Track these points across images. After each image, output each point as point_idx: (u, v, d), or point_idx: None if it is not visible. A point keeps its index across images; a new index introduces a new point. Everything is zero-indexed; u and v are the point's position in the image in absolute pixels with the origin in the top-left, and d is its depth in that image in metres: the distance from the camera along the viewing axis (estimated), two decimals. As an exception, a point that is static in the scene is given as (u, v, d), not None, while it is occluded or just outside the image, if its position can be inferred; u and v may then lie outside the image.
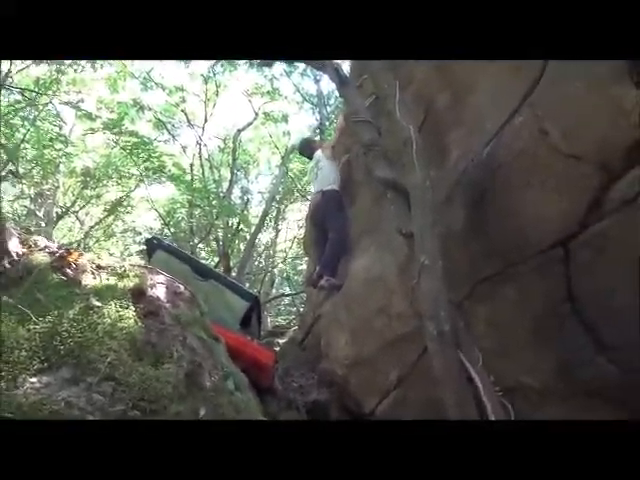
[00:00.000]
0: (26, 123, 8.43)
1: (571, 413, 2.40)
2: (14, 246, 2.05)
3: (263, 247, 14.65)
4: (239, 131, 12.30)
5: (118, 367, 1.68)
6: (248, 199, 13.71)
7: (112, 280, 2.17)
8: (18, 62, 7.92)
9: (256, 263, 14.38)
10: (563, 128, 2.31)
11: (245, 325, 4.16)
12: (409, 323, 3.15)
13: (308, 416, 3.91)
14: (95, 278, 2.14)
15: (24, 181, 9.54)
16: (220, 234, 11.55)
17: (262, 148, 14.58)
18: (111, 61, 9.12)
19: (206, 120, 11.85)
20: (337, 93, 5.64)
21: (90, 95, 10.12)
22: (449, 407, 2.16)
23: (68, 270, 2.07)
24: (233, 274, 10.67)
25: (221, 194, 11.76)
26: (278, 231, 14.70)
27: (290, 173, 12.56)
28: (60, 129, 9.74)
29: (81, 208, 11.76)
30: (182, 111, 11.77)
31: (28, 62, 8.24)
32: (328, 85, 11.66)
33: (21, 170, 8.99)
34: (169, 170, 9.88)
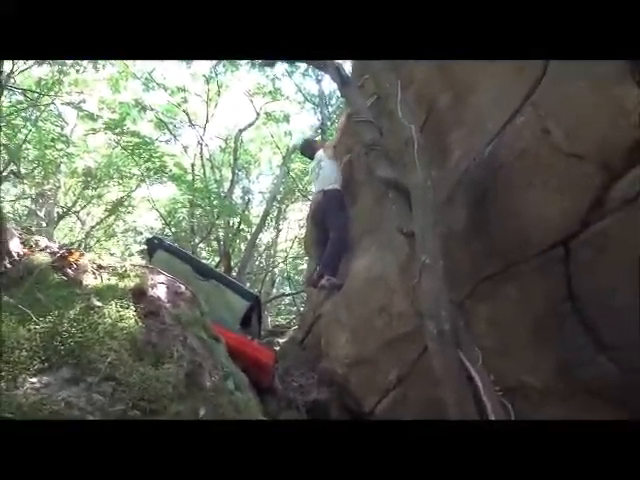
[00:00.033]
0: (28, 124, 8.45)
1: (571, 413, 2.40)
2: (15, 246, 2.05)
3: (264, 247, 14.64)
4: (240, 131, 12.30)
5: (118, 367, 1.69)
6: (249, 199, 13.73)
7: (113, 280, 2.17)
8: (20, 63, 7.93)
9: (257, 263, 14.39)
10: (565, 128, 2.31)
11: (245, 325, 4.15)
12: (410, 322, 3.15)
13: (308, 416, 3.90)
14: (96, 278, 2.14)
15: (25, 181, 9.57)
16: (221, 234, 11.56)
17: (263, 148, 14.58)
18: (113, 61, 9.15)
19: (207, 120, 11.89)
20: (339, 93, 5.66)
21: (92, 95, 10.16)
22: (449, 406, 2.16)
23: (69, 270, 2.08)
24: (234, 274, 10.67)
25: (222, 194, 11.76)
26: (279, 231, 14.69)
27: (291, 173, 12.54)
28: (62, 129, 9.78)
29: (82, 208, 11.77)
30: (184, 111, 11.78)
31: (30, 63, 8.25)
32: (330, 85, 11.66)
33: (23, 170, 9.03)
34: (170, 170, 9.87)
